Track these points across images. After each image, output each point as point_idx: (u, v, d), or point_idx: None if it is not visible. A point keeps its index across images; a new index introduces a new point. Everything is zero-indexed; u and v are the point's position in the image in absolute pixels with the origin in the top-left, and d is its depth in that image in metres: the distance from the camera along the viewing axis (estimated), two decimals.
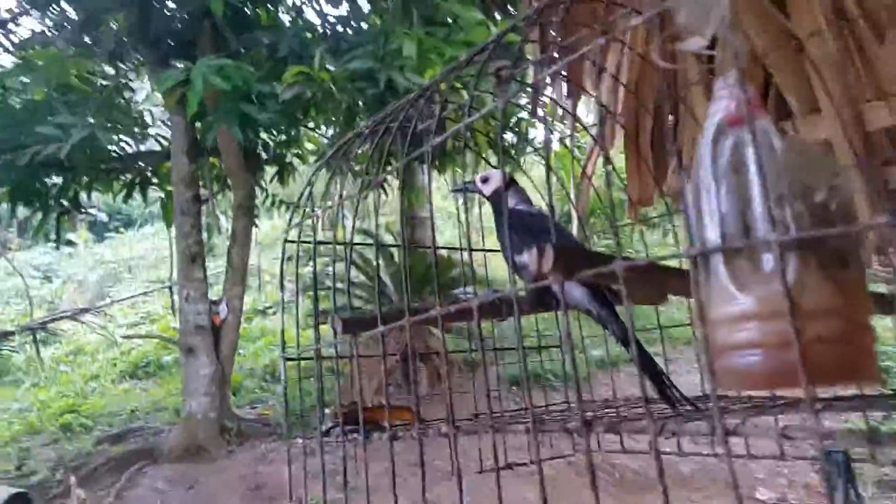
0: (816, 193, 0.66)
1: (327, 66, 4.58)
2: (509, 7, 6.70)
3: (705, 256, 0.68)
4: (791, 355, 0.58)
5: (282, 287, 1.39)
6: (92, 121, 6.49)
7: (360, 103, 5.06)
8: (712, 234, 0.69)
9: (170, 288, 9.73)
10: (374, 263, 7.59)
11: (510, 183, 1.38)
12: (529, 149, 7.20)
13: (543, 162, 0.97)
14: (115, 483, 6.64)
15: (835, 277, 0.64)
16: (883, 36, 1.73)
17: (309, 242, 1.75)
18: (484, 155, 6.52)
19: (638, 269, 0.70)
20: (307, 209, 1.52)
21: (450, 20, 5.24)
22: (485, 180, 1.40)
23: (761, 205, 0.64)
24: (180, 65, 5.72)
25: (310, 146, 7.94)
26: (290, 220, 1.42)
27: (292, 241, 1.39)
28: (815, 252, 0.64)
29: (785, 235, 0.63)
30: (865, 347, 0.65)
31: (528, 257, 0.82)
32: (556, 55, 2.01)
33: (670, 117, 2.21)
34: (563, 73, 2.08)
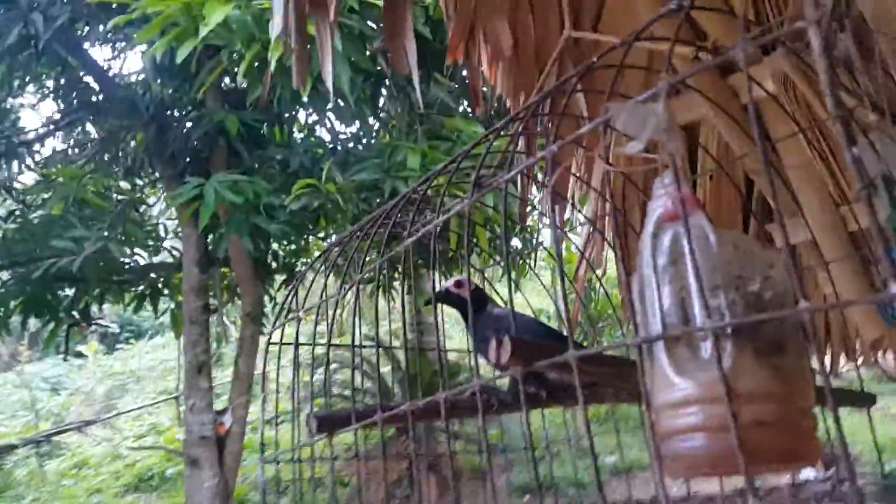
0: (750, 283, 0.70)
1: (335, 177, 4.76)
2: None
3: (649, 345, 0.72)
4: (731, 439, 0.60)
5: (262, 388, 1.42)
6: (106, 234, 6.68)
7: (366, 211, 5.23)
8: (655, 324, 0.73)
9: (176, 399, 9.67)
10: (378, 367, 7.55)
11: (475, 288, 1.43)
12: (528, 249, 7.26)
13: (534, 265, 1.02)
14: None
15: (772, 363, 0.68)
16: (855, 141, 1.81)
17: (308, 344, 1.78)
18: (487, 255, 6.62)
19: (588, 358, 0.73)
20: (292, 310, 1.56)
21: (453, 135, 5.48)
22: (459, 285, 1.45)
23: (697, 295, 0.68)
24: (194, 180, 5.94)
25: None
26: (275, 321, 1.46)
27: (275, 343, 1.42)
28: (750, 339, 0.68)
29: (718, 322, 0.67)
30: (805, 431, 0.68)
31: (490, 350, 0.85)
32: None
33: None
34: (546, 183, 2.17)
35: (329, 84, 1.58)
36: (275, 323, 1.46)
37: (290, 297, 1.47)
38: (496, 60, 1.97)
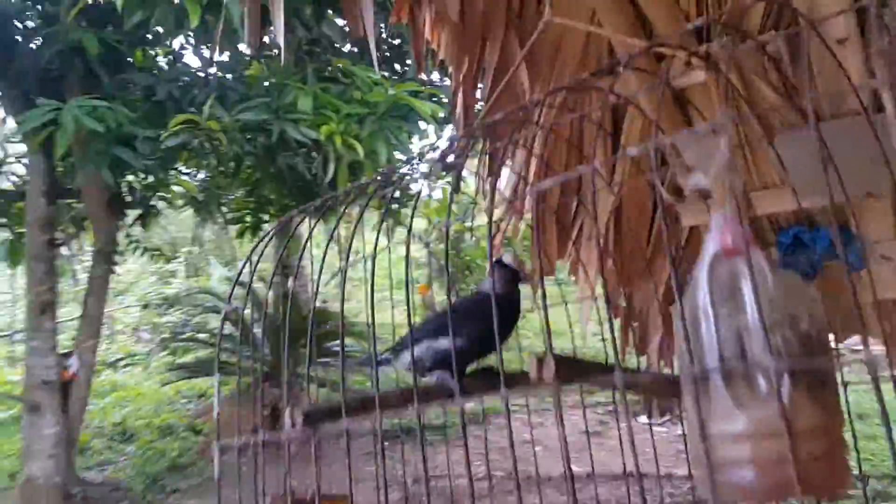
0: (801, 322, 0.74)
1: (218, 115, 4.45)
2: (396, 65, 6.84)
3: (705, 377, 0.74)
4: (786, 471, 0.64)
5: (217, 356, 1.32)
6: None
7: (250, 153, 4.96)
8: (710, 355, 0.75)
9: (10, 336, 8.87)
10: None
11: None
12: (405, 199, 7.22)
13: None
14: None
15: (820, 398, 0.72)
16: (772, 135, 1.94)
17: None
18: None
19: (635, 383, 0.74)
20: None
21: (345, 78, 5.28)
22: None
23: (758, 331, 0.70)
24: (47, 103, 5.34)
25: (178, 189, 7.60)
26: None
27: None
28: (804, 376, 0.71)
29: (782, 362, 0.70)
30: (845, 461, 0.73)
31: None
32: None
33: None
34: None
35: (281, 41, 1.46)
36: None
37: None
38: (440, 24, 1.91)
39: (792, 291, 0.75)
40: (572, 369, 0.82)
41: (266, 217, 6.71)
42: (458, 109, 2.04)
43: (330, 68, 5.44)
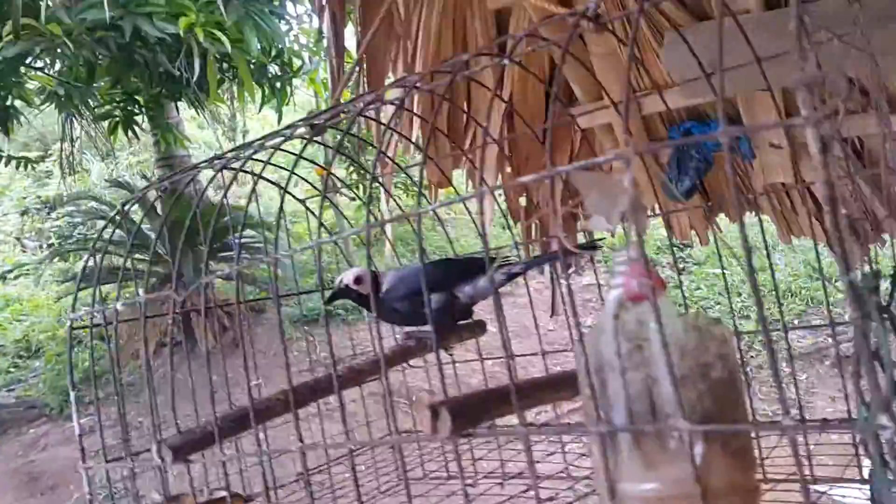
0: (713, 370, 0.68)
1: (59, 17, 3.88)
2: None
3: (612, 434, 0.69)
4: None
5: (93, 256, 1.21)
6: None
7: (106, 56, 4.41)
8: (618, 411, 0.69)
9: None
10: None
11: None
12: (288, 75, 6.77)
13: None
14: None
15: (733, 451, 0.68)
16: (661, 37, 1.84)
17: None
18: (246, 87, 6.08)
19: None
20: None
21: None
22: (358, 281, 1.29)
23: (667, 386, 0.65)
24: None
25: (33, 85, 6.84)
26: None
27: None
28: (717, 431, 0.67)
29: (695, 423, 0.65)
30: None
31: None
32: None
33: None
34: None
35: None
36: None
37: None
38: None
39: (702, 337, 0.69)
40: (473, 414, 0.75)
41: (136, 109, 6.16)
42: (327, 34, 1.82)
43: None
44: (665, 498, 0.67)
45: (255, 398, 1.10)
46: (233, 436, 1.21)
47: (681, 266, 7.62)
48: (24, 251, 9.07)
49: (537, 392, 0.88)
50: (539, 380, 0.93)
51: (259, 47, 4.25)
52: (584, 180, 0.64)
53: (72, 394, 1.27)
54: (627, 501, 0.69)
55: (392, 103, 1.20)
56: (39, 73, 6.56)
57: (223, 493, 1.33)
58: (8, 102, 6.63)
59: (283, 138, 1.06)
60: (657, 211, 1.50)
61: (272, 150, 1.07)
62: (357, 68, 2.08)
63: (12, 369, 7.22)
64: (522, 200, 2.45)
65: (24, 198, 9.50)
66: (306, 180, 1.46)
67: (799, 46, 0.56)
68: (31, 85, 6.28)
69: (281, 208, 1.00)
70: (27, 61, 4.46)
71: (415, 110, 2.26)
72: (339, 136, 1.07)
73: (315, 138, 1.11)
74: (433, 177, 2.37)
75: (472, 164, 2.31)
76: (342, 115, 1.09)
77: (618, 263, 0.69)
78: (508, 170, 2.29)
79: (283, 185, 1.13)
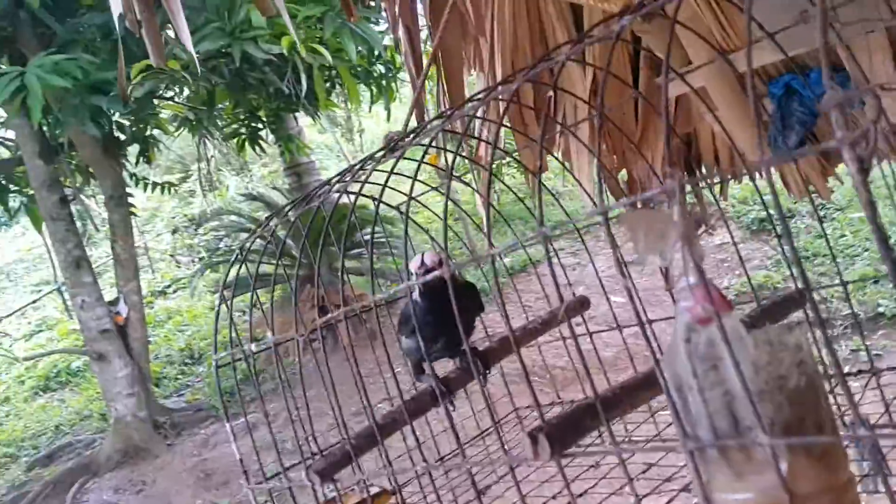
0: (790, 380, 0.69)
1: (174, 53, 4.22)
2: None
3: (701, 449, 0.72)
4: None
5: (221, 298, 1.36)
6: None
7: (220, 85, 4.76)
8: (703, 427, 0.72)
9: (59, 290, 9.14)
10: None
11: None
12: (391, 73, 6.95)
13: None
14: None
15: (817, 453, 0.69)
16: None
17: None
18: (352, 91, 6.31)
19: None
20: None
21: None
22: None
23: (745, 402, 0.67)
24: (9, 69, 5.14)
25: (166, 113, 7.42)
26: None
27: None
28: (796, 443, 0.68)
29: (777, 433, 0.67)
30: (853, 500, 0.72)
31: None
32: None
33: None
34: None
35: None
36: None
37: None
38: None
39: (775, 350, 0.70)
40: (569, 434, 0.80)
41: (260, 126, 6.57)
42: (404, 47, 1.89)
43: None
44: None
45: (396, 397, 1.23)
46: (372, 448, 1.32)
47: (821, 213, 7.16)
48: (179, 266, 9.91)
49: (627, 397, 0.91)
50: (628, 383, 0.96)
51: (359, 52, 4.41)
52: (631, 220, 0.67)
53: (227, 425, 1.42)
54: None
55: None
56: (170, 103, 7.12)
57: (376, 489, 1.46)
58: (147, 133, 7.26)
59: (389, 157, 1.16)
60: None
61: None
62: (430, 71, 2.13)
63: (179, 376, 7.93)
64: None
65: (173, 217, 10.37)
66: (425, 182, 1.54)
67: (825, 62, 0.56)
68: (165, 114, 6.83)
69: (406, 225, 1.09)
70: (158, 93, 4.84)
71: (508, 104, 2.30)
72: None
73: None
74: (529, 163, 2.40)
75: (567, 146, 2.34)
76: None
77: (680, 290, 0.72)
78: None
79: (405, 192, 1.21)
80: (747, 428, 0.70)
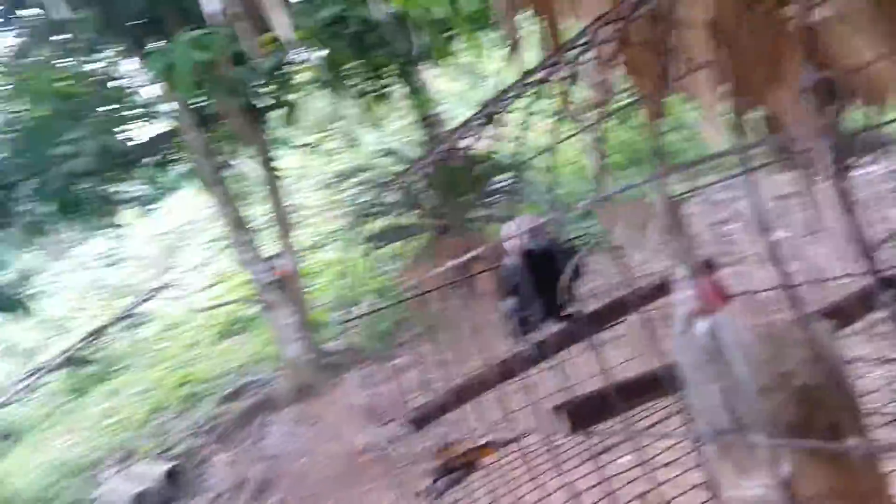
0: (796, 378, 0.69)
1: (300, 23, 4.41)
2: None
3: (707, 441, 0.73)
4: None
5: None
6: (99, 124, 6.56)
7: (340, 51, 4.92)
8: (703, 421, 0.73)
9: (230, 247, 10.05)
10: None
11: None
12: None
13: None
14: (250, 437, 7.26)
15: (827, 456, 0.68)
16: None
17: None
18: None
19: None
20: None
21: None
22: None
23: (747, 396, 0.68)
24: (158, 48, 5.64)
25: (301, 78, 7.74)
26: None
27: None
28: (806, 436, 0.68)
29: (778, 432, 0.68)
30: None
31: None
32: None
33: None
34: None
35: None
36: None
37: None
38: None
39: (780, 346, 0.69)
40: (591, 413, 0.84)
41: (386, 83, 6.76)
42: None
43: None
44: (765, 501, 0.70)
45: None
46: (474, 398, 1.41)
47: None
48: (329, 221, 10.49)
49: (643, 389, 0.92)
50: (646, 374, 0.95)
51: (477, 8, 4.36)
52: (607, 215, 0.68)
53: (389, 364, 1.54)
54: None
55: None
56: (299, 67, 7.43)
57: (484, 440, 1.56)
58: (284, 98, 7.65)
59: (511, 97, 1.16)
60: None
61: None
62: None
63: (336, 323, 8.50)
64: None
65: (321, 175, 10.94)
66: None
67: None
68: (298, 79, 7.17)
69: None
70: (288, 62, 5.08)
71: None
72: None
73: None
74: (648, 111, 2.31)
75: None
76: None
77: (675, 283, 0.72)
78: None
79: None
80: (745, 425, 0.70)
